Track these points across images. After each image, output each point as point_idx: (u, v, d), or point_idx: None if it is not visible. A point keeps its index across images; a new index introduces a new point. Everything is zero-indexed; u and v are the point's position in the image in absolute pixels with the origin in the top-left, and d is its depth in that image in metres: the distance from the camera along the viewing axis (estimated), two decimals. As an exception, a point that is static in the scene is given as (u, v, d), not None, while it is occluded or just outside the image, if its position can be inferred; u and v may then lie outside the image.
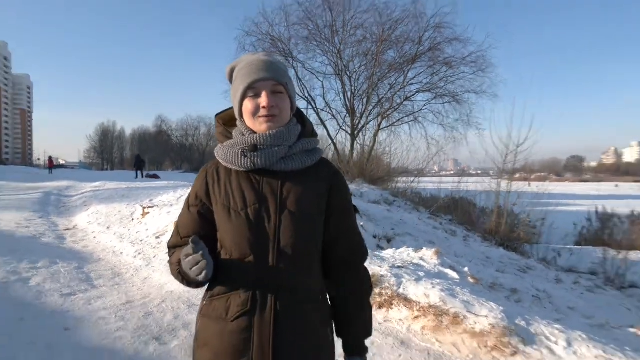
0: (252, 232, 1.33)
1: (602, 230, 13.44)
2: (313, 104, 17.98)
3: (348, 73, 17.21)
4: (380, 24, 16.14)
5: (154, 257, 6.66)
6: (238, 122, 1.43)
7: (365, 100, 17.24)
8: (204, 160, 66.71)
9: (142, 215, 8.94)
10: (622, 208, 13.61)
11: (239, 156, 1.36)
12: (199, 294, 5.00)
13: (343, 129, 18.07)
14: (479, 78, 16.04)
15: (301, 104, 18.30)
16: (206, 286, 1.43)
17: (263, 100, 1.33)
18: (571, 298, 6.66)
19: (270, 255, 1.33)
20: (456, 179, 17.04)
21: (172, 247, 1.49)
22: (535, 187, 16.76)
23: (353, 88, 17.28)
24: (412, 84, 17.11)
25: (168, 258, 1.50)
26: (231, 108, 1.48)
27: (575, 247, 11.50)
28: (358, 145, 17.41)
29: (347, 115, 17.70)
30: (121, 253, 7.11)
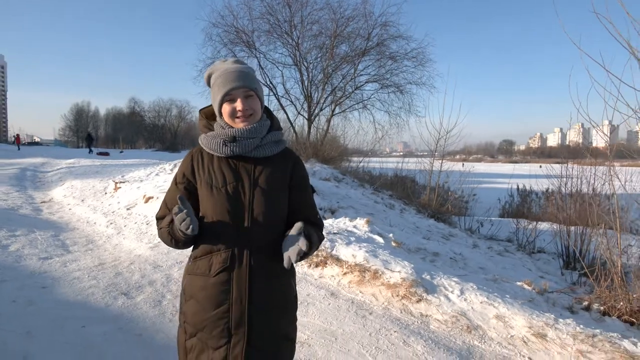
0: (231, 204, 1.54)
1: (522, 205, 14.25)
2: (274, 90, 18.02)
3: (305, 64, 17.34)
4: (334, 21, 16.31)
5: (125, 226, 6.79)
6: (218, 119, 1.63)
7: (320, 88, 17.48)
8: (175, 140, 65.23)
9: (115, 189, 8.96)
10: (540, 185, 14.47)
11: (221, 145, 1.56)
12: (163, 257, 5.25)
13: (301, 114, 18.27)
14: (419, 71, 16.57)
15: (263, 90, 18.31)
16: (191, 249, 1.64)
17: (238, 105, 1.54)
18: (482, 260, 7.24)
19: (246, 221, 1.53)
20: (400, 159, 17.65)
21: (161, 218, 1.66)
22: (471, 167, 17.55)
23: (310, 77, 17.46)
24: (361, 75, 17.47)
25: (156, 227, 1.69)
26: (212, 105, 1.68)
27: (497, 218, 12.13)
28: (314, 128, 17.70)
29: (305, 101, 17.89)
30: (94, 223, 7.19)
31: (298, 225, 1.49)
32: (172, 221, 1.53)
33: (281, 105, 18.22)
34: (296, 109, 18.22)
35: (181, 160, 1.74)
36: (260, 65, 17.43)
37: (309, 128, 17.72)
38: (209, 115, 1.71)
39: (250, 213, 1.55)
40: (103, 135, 76.42)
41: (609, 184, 5.10)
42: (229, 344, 1.52)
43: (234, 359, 1.53)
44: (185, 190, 1.60)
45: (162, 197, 7.44)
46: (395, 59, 16.45)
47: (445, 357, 3.17)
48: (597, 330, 3.29)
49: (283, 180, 1.64)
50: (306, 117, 17.89)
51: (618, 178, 4.85)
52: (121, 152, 35.20)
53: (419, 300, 3.87)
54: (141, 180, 9.28)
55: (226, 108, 1.56)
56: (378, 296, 4.08)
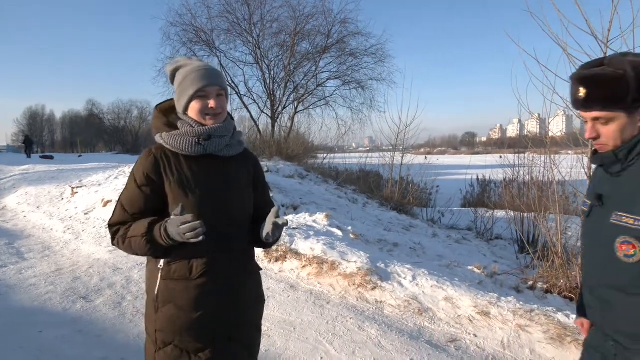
0: (208, 205, 1.50)
1: (482, 194, 14.73)
2: (236, 89, 17.98)
3: (267, 62, 17.41)
4: (293, 18, 16.44)
5: (83, 231, 6.71)
6: (182, 115, 1.56)
7: (283, 86, 17.60)
8: (137, 142, 63.61)
9: (72, 194, 8.78)
10: (497, 175, 14.95)
11: (193, 144, 1.50)
12: (122, 259, 5.24)
13: (264, 113, 18.32)
14: (379, 67, 16.96)
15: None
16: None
17: (212, 102, 1.52)
18: (440, 248, 7.54)
19: (224, 222, 1.53)
20: (364, 154, 17.95)
21: (117, 224, 1.52)
22: (435, 159, 18.00)
23: (272, 75, 17.54)
24: (323, 72, 17.70)
25: (111, 234, 1.53)
26: (168, 101, 1.65)
27: (458, 209, 12.53)
28: (278, 126, 17.78)
29: (268, 100, 17.95)
30: (51, 229, 7.05)
31: (275, 210, 1.53)
32: (149, 228, 1.42)
33: (244, 104, 18.22)
34: (259, 108, 18.25)
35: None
36: (221, 64, 17.37)
37: (273, 126, 17.80)
38: (164, 111, 1.66)
39: (227, 213, 1.55)
40: (60, 139, 73.63)
41: (550, 171, 5.46)
42: (213, 345, 1.52)
43: (231, 356, 1.56)
44: (151, 193, 1.50)
45: (121, 200, 7.37)
46: (356, 56, 16.77)
47: (397, 339, 3.36)
48: (535, 306, 3.57)
49: (249, 178, 1.68)
50: (269, 115, 17.95)
51: (556, 166, 5.19)
52: (79, 156, 34.09)
53: (374, 288, 4.07)
54: (99, 184, 9.13)
55: (196, 105, 1.53)
56: (335, 286, 4.25)
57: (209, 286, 1.50)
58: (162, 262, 1.51)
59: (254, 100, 18.29)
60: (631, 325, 1.30)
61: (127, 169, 10.11)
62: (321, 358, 3.13)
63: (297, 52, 17.06)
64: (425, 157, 17.29)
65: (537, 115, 5.43)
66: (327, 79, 17.77)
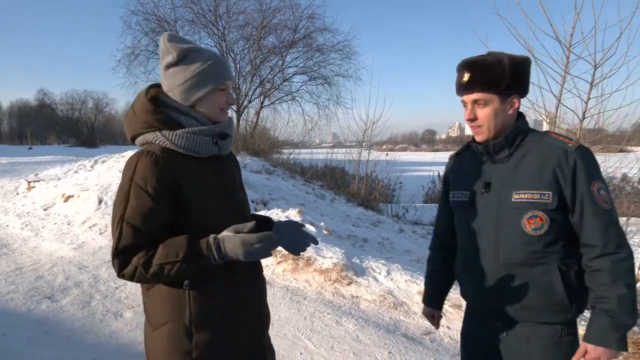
0: (230, 211, 1.37)
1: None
2: (200, 82, 17.64)
3: (232, 55, 17.09)
4: (260, 12, 16.21)
5: (43, 227, 6.40)
6: (186, 109, 1.34)
7: (249, 80, 17.34)
8: (93, 134, 61.07)
9: (28, 189, 8.35)
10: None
11: (210, 145, 1.33)
12: (89, 257, 5.06)
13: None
14: (346, 64, 17.02)
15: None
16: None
17: (231, 98, 1.39)
18: (407, 243, 7.72)
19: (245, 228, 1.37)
20: (330, 150, 18.04)
21: (130, 248, 1.22)
22: (397, 156, 18.33)
23: (238, 69, 17.24)
24: (290, 67, 17.57)
25: (119, 264, 1.22)
26: (154, 88, 1.39)
27: (421, 204, 12.83)
28: (243, 121, 17.55)
29: (233, 93, 17.69)
30: (7, 226, 6.68)
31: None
32: (190, 249, 1.21)
33: (207, 97, 17.87)
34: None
35: (127, 164, 1.31)
36: (184, 55, 16.96)
37: (238, 120, 17.56)
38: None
39: (243, 216, 1.44)
40: (7, 130, 69.62)
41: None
42: (256, 352, 1.45)
43: (268, 350, 1.50)
44: (169, 204, 1.25)
45: (83, 195, 7.09)
46: (323, 52, 16.75)
47: (375, 333, 3.42)
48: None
49: (239, 177, 1.57)
50: (235, 109, 17.69)
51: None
52: (30, 148, 32.42)
53: (349, 283, 4.12)
54: (58, 179, 8.72)
55: (216, 98, 1.35)
56: (311, 282, 4.27)
57: (244, 298, 1.38)
58: (186, 281, 1.28)
59: (219, 93, 17.99)
60: (532, 296, 1.41)
61: (88, 163, 9.71)
62: (300, 354, 3.15)
63: (264, 46, 16.87)
64: (387, 154, 17.58)
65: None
66: (294, 74, 17.68)
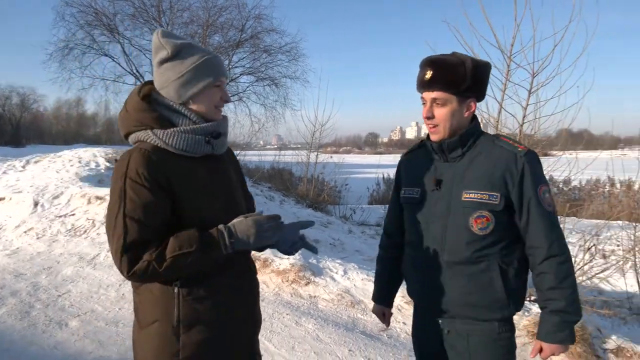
0: (225, 211, 1.34)
1: (387, 192, 15.57)
2: (141, 79, 16.91)
3: (177, 53, 16.60)
4: (206, 9, 15.81)
5: (-31, 233, 5.88)
6: (179, 107, 1.31)
7: (193, 79, 16.88)
8: (18, 132, 56.73)
9: (-51, 191, 7.62)
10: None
11: (202, 143, 1.30)
12: (25, 264, 4.72)
13: (174, 106, 17.49)
14: (293, 65, 17.01)
15: (129, 79, 17.04)
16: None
17: (226, 95, 1.37)
18: (358, 244, 7.88)
19: None
20: (277, 152, 17.95)
21: (137, 245, 1.18)
22: (342, 159, 18.59)
23: (182, 67, 16.76)
24: (236, 67, 17.26)
25: (129, 261, 1.17)
26: (147, 86, 1.36)
27: (367, 205, 13.11)
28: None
29: (176, 92, 17.14)
30: None
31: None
32: (203, 239, 1.21)
33: (150, 96, 17.22)
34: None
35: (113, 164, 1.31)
36: (124, 51, 16.19)
37: (182, 120, 17.06)
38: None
39: (238, 215, 1.38)
40: None
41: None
42: (245, 354, 1.44)
43: (258, 354, 1.51)
44: (167, 201, 1.23)
45: (16, 197, 6.58)
46: (270, 53, 16.64)
47: (334, 331, 3.46)
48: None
49: (237, 175, 1.55)
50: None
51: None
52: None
53: (307, 283, 4.14)
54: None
55: (212, 95, 1.33)
56: (269, 283, 4.24)
57: (235, 298, 1.37)
58: (177, 281, 1.26)
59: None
60: (473, 293, 1.46)
61: (18, 163, 9.01)
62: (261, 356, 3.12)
63: (210, 45, 16.46)
64: (331, 156, 17.80)
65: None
66: (241, 74, 17.40)
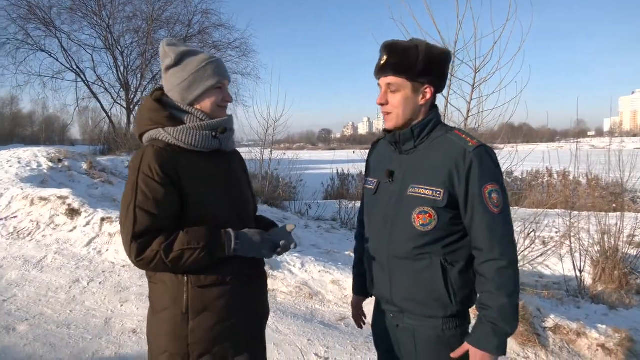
0: (231, 206, 1.45)
1: (341, 187, 15.76)
2: (82, 76, 16.20)
3: (120, 48, 15.99)
4: (150, 3, 15.43)
5: None
6: (187, 108, 1.43)
7: (139, 75, 16.39)
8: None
9: None
10: (354, 169, 16.16)
11: (209, 138, 1.41)
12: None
13: (118, 103, 16.86)
14: (244, 62, 16.93)
15: (69, 76, 16.27)
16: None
17: (227, 95, 1.49)
18: (314, 238, 7.99)
19: (246, 222, 1.49)
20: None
21: (147, 233, 1.30)
22: (296, 155, 18.61)
23: (126, 63, 16.18)
24: (184, 62, 16.96)
25: (138, 249, 1.28)
26: (155, 92, 1.49)
27: (322, 201, 13.22)
28: (134, 118, 16.56)
29: (122, 89, 16.54)
30: None
31: (291, 227, 1.53)
32: (211, 238, 1.32)
33: (93, 92, 16.57)
34: (112, 97, 16.72)
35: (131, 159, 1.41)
36: (62, 47, 15.47)
37: (129, 117, 16.51)
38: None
39: (245, 211, 1.52)
40: None
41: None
42: (249, 348, 1.48)
43: (263, 355, 1.56)
44: (176, 193, 1.34)
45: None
46: (219, 48, 16.47)
47: (293, 323, 3.56)
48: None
49: (244, 173, 1.65)
50: (124, 105, 16.59)
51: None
52: None
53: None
54: None
55: (213, 97, 1.45)
56: (226, 279, 4.27)
57: (242, 287, 1.44)
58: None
59: (106, 89, 16.73)
60: (415, 289, 1.44)
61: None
62: (222, 349, 3.16)
63: (155, 40, 16.03)
64: (284, 153, 17.86)
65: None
66: (189, 70, 17.11)
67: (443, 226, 1.39)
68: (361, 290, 1.82)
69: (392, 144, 1.52)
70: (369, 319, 1.87)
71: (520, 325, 3.64)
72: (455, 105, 5.19)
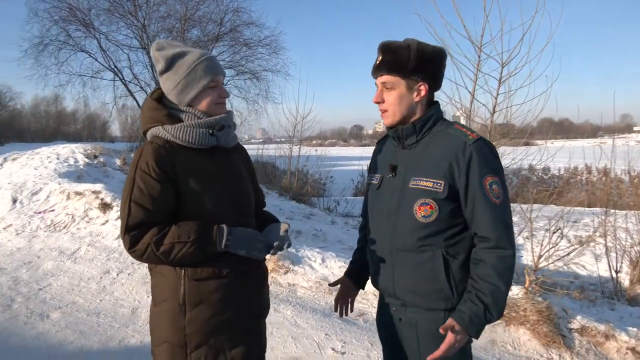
0: (229, 201, 1.48)
1: (370, 184, 15.68)
2: (120, 75, 16.74)
3: (155, 48, 16.44)
4: (183, 3, 15.69)
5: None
6: (184, 107, 1.47)
7: (173, 73, 16.75)
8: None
9: None
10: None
11: (206, 135, 1.44)
12: (6, 259, 4.75)
13: (154, 101, 17.32)
14: (274, 59, 17.02)
15: (107, 75, 16.86)
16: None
17: (223, 92, 1.51)
18: (340, 234, 8.00)
19: (244, 217, 1.53)
20: (259, 145, 17.98)
21: (140, 226, 1.36)
22: (327, 151, 18.67)
23: (161, 62, 16.60)
24: (216, 61, 17.26)
25: (130, 241, 1.36)
26: (155, 91, 1.54)
27: (351, 197, 13.22)
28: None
29: (157, 87, 17.00)
30: None
31: (285, 226, 1.54)
32: (201, 232, 1.36)
33: (129, 91, 17.08)
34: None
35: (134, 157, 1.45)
36: (101, 47, 16.01)
37: (163, 115, 16.93)
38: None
39: (243, 206, 1.55)
40: None
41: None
42: (245, 340, 1.50)
43: (260, 349, 1.60)
44: (172, 189, 1.39)
45: (-6, 194, 6.56)
46: (250, 46, 16.62)
47: (311, 317, 3.60)
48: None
49: (247, 169, 1.67)
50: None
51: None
52: None
53: (286, 272, 4.26)
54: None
55: (208, 96, 1.48)
56: (248, 272, 4.36)
57: (239, 281, 1.48)
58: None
59: (141, 87, 17.23)
60: (418, 282, 1.47)
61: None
62: (241, 341, 3.24)
63: (188, 39, 16.35)
64: (316, 150, 17.91)
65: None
66: (221, 68, 17.41)
67: (444, 218, 1.42)
68: (353, 274, 1.84)
69: (395, 139, 1.56)
70: (360, 312, 1.85)
71: (545, 325, 3.55)
72: (481, 101, 5.08)
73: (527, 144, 5.38)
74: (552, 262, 4.24)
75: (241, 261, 1.47)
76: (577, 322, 3.57)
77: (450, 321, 1.38)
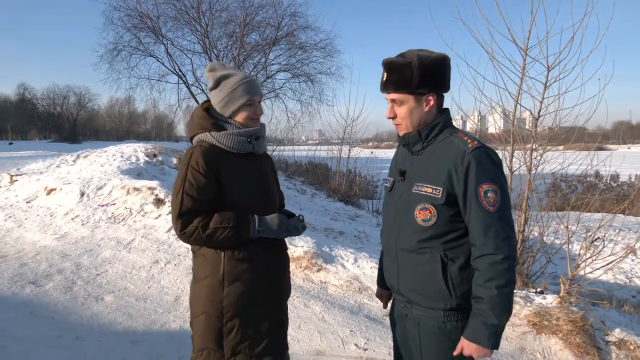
0: (262, 197, 1.83)
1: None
2: (184, 78, 17.70)
3: (216, 52, 17.19)
4: (243, 9, 16.30)
5: (26, 219, 6.57)
6: (228, 119, 1.80)
7: (232, 77, 17.45)
8: (75, 129, 60.33)
9: (10, 182, 8.47)
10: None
11: (245, 143, 1.78)
12: (71, 247, 5.28)
13: (214, 103, 18.15)
14: (328, 61, 17.24)
15: (172, 78, 17.90)
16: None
17: (258, 109, 1.84)
18: (383, 236, 8.04)
19: (272, 210, 1.84)
20: (313, 147, 18.27)
21: (189, 213, 1.67)
22: (382, 153, 18.61)
23: (221, 65, 17.37)
24: (273, 64, 17.69)
25: (181, 225, 1.67)
26: (205, 103, 1.88)
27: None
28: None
29: (217, 90, 17.78)
30: (-11, 218, 6.84)
31: (302, 217, 1.92)
32: (238, 220, 1.68)
33: (192, 93, 17.99)
34: (208, 98, 18.08)
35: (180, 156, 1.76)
36: (167, 52, 17.03)
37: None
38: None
39: (273, 202, 1.89)
40: (-13, 125, 68.25)
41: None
42: (273, 311, 1.82)
43: (282, 324, 1.90)
44: (216, 183, 1.70)
45: (66, 188, 7.27)
46: (305, 49, 16.94)
47: (339, 314, 3.73)
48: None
49: (273, 173, 2.00)
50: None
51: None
52: (10, 143, 32.09)
53: (319, 270, 4.42)
54: (41, 172, 8.85)
55: (245, 112, 1.80)
56: (283, 269, 4.56)
57: (269, 262, 1.80)
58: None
59: (202, 90, 18.12)
60: (418, 281, 1.56)
61: (70, 157, 9.83)
62: (269, 332, 3.43)
63: (247, 43, 16.99)
64: (372, 152, 17.85)
65: (477, 113, 5.92)
66: (277, 71, 17.82)
67: (443, 223, 1.50)
68: (383, 283, 1.91)
69: (404, 145, 1.67)
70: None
71: (578, 336, 3.45)
72: (525, 106, 4.96)
73: (599, 148, 5.13)
74: (591, 272, 4.09)
75: (268, 246, 1.78)
76: (615, 335, 3.45)
77: (462, 340, 1.48)
